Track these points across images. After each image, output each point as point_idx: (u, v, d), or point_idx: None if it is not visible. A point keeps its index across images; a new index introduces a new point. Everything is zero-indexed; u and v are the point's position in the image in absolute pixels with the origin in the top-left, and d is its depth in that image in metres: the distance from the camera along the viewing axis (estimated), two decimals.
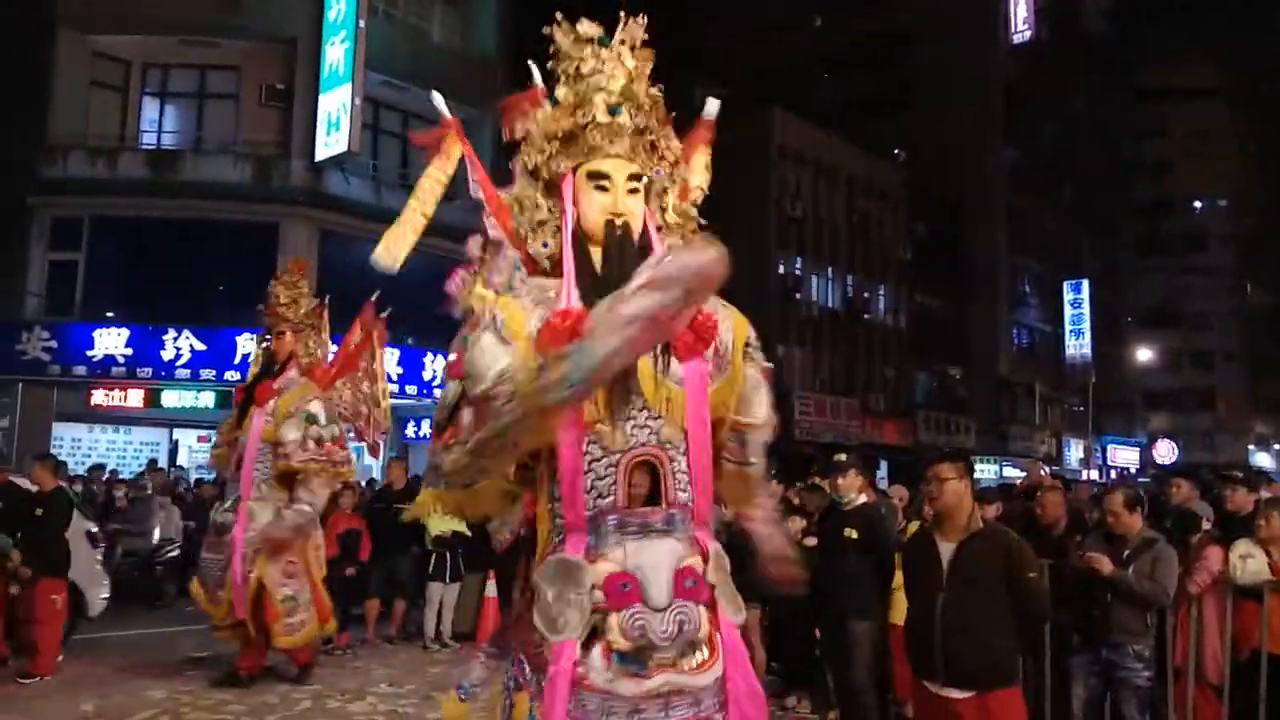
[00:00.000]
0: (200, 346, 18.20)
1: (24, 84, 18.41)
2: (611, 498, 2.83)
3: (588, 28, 3.10)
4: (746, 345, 3.14)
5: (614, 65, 3.07)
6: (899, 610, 6.82)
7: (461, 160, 3.52)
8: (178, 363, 17.86)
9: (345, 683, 8.01)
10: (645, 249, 3.02)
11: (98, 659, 8.52)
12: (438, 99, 3.45)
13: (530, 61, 3.32)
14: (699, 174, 3.45)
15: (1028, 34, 41.85)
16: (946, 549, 4.20)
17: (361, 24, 17.99)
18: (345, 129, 17.87)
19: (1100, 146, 48.71)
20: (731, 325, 3.13)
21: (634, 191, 3.08)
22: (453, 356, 3.09)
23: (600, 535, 2.83)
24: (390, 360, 18.89)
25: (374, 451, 8.84)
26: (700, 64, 32.74)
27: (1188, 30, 54.10)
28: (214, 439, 8.81)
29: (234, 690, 7.49)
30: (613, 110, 3.04)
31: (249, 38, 18.98)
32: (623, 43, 3.12)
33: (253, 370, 8.32)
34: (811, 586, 7.10)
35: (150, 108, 19.81)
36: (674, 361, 2.89)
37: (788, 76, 39.65)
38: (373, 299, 8.55)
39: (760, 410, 3.09)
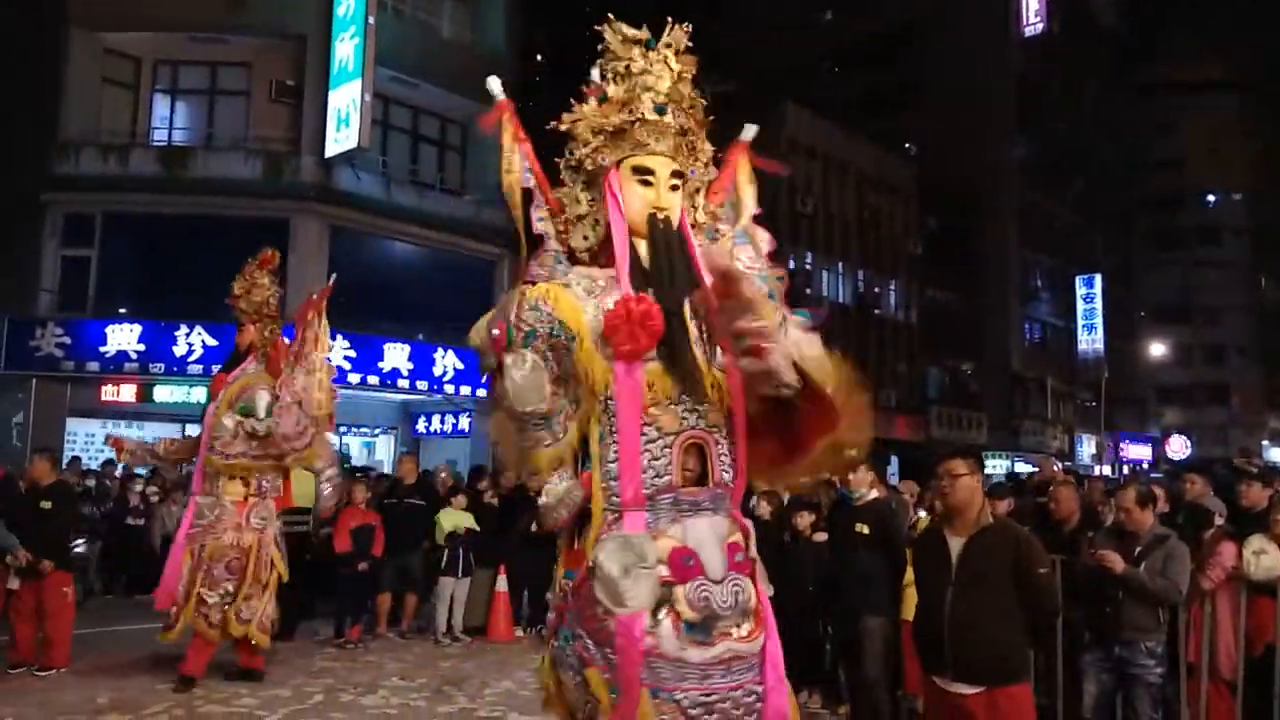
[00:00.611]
0: (212, 342, 18.25)
1: (36, 81, 18.50)
2: (668, 477, 3.01)
3: (635, 31, 3.26)
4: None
5: (660, 67, 3.24)
6: (910, 606, 6.83)
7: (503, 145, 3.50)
8: (190, 359, 17.91)
9: (358, 676, 8.05)
10: (684, 243, 3.21)
11: (113, 652, 8.59)
12: (494, 83, 3.48)
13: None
14: (749, 201, 3.64)
15: (1039, 27, 41.63)
16: (956, 544, 4.18)
17: (371, 20, 18.01)
18: (355, 125, 17.89)
19: (1112, 141, 48.47)
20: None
21: (675, 188, 3.25)
22: (497, 332, 3.11)
23: (657, 513, 2.98)
24: (401, 355, 18.98)
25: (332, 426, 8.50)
26: (709, 59, 32.60)
27: (1200, 24, 53.80)
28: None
29: (247, 684, 7.53)
30: (659, 109, 3.21)
31: (259, 34, 19.02)
32: (668, 46, 3.29)
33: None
34: (821, 582, 7.13)
35: (161, 104, 19.87)
36: (718, 350, 3.05)
37: (798, 71, 39.53)
38: (329, 283, 8.57)
39: (813, 349, 3.05)
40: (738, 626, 2.99)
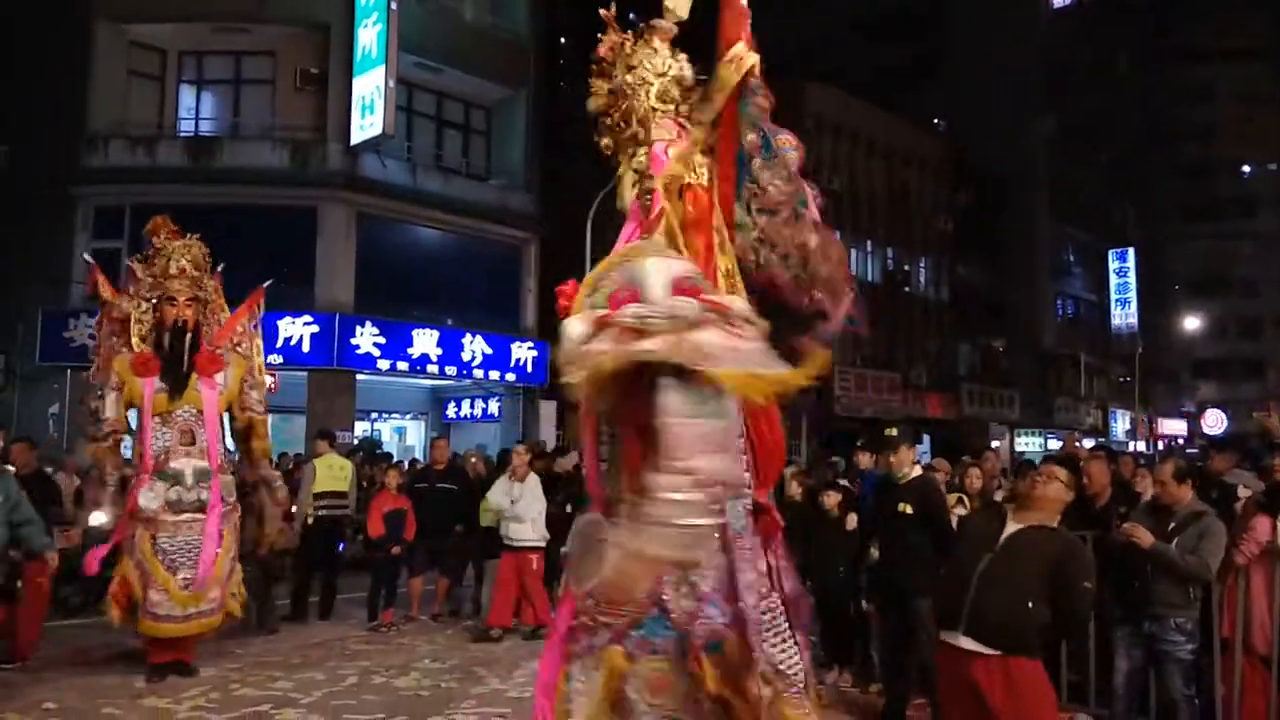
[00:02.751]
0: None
1: (64, 75, 18.68)
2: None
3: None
4: None
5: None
6: None
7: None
8: None
9: (391, 659, 8.13)
10: None
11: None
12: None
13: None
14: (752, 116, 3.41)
15: None
16: (1013, 526, 4.18)
17: (393, 6, 18.01)
18: (380, 111, 17.92)
19: (1144, 112, 47.67)
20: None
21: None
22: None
23: None
24: (430, 341, 19.07)
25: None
26: None
27: None
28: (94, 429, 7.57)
29: (282, 667, 7.62)
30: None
31: (282, 23, 19.07)
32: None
33: (138, 344, 7.65)
34: (853, 564, 7.10)
35: (187, 95, 19.99)
36: None
37: (822, 46, 39.17)
38: (265, 286, 8.72)
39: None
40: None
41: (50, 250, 18.26)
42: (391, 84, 18.03)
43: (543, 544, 9.21)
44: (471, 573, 10.51)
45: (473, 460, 12.06)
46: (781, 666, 2.90)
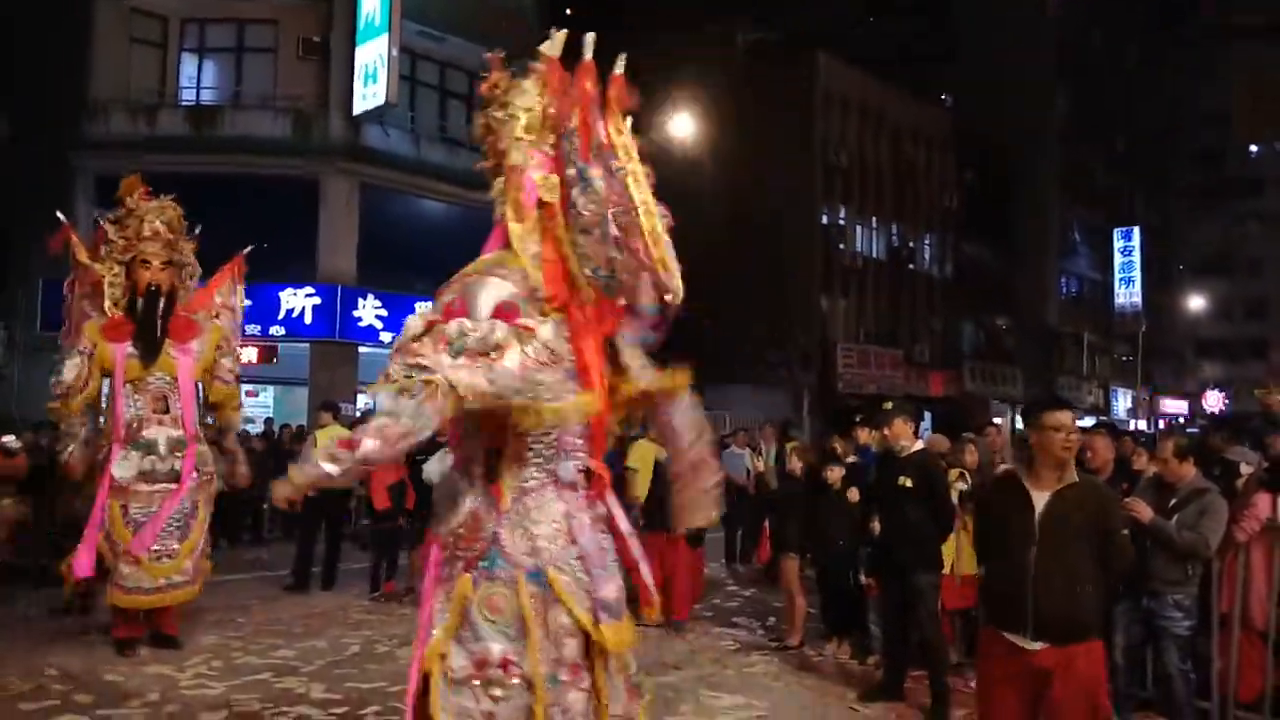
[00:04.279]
0: (245, 301, 18.36)
1: (65, 42, 18.56)
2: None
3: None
4: None
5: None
6: (965, 560, 6.78)
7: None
8: None
9: (393, 629, 8.15)
10: None
11: None
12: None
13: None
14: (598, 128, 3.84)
15: None
16: (1040, 498, 3.97)
17: None
18: (383, 81, 17.82)
19: (1154, 91, 47.31)
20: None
21: None
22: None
23: None
24: None
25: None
26: (742, 7, 32.12)
27: None
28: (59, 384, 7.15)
29: (284, 636, 7.65)
30: None
31: None
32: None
33: (110, 309, 7.37)
34: (854, 538, 7.10)
35: (189, 63, 19.86)
36: None
37: (832, 19, 38.77)
38: (244, 253, 8.37)
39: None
40: None
41: (51, 219, 18.19)
42: (395, 53, 17.91)
43: None
44: None
45: None
46: (610, 598, 3.55)
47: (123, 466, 6.96)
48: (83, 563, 6.85)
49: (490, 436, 3.53)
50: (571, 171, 3.65)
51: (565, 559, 3.50)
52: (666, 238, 3.60)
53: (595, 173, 3.61)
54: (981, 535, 4.62)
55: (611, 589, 3.60)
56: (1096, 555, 3.92)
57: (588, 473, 3.67)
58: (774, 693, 6.41)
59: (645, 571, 3.81)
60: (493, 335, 3.29)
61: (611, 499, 3.81)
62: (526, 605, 3.44)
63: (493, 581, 3.48)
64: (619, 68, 3.72)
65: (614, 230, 3.54)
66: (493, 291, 3.49)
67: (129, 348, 7.13)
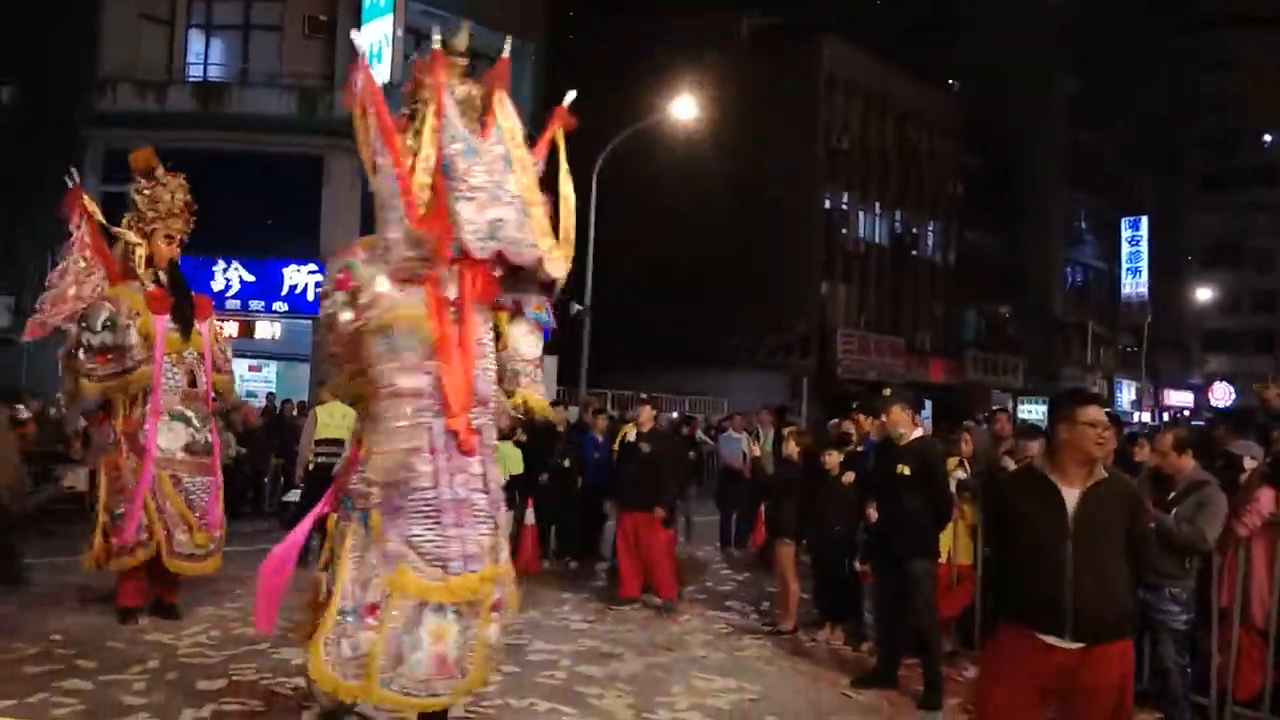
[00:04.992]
0: (249, 278, 18.44)
1: (74, 18, 18.53)
2: None
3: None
4: None
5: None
6: (962, 549, 6.81)
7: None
8: (227, 294, 18.14)
9: None
10: None
11: None
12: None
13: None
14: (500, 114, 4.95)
15: None
16: (1071, 495, 3.83)
17: None
18: (387, 60, 17.79)
19: (1162, 78, 46.98)
20: None
21: None
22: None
23: None
24: None
25: None
26: None
27: None
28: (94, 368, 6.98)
29: (282, 608, 7.62)
30: None
31: None
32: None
33: (146, 281, 7.31)
34: (851, 524, 7.11)
35: (196, 40, 19.86)
36: None
37: (837, 4, 38.55)
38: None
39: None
40: None
41: (59, 195, 18.20)
42: (399, 32, 17.86)
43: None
44: None
45: None
46: (467, 551, 4.17)
47: (168, 438, 7.05)
48: (129, 532, 6.91)
49: (358, 386, 4.33)
50: (458, 146, 4.40)
51: (409, 508, 4.09)
52: (545, 220, 4.37)
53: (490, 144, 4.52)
54: (997, 530, 4.41)
55: (469, 543, 4.14)
56: (1125, 553, 3.84)
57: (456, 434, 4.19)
58: (766, 677, 6.42)
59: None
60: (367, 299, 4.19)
61: (490, 459, 4.38)
62: (347, 546, 4.19)
63: (345, 521, 4.30)
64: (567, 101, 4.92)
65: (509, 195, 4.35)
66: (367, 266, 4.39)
67: (169, 321, 7.19)
